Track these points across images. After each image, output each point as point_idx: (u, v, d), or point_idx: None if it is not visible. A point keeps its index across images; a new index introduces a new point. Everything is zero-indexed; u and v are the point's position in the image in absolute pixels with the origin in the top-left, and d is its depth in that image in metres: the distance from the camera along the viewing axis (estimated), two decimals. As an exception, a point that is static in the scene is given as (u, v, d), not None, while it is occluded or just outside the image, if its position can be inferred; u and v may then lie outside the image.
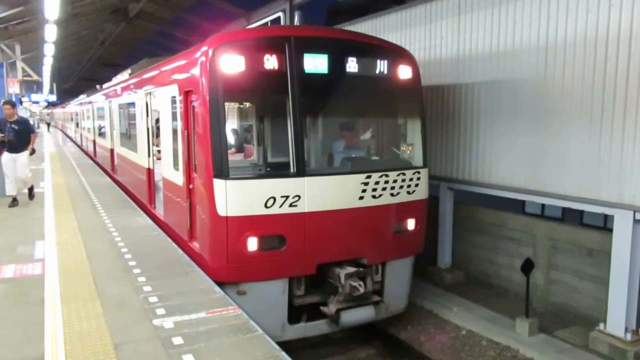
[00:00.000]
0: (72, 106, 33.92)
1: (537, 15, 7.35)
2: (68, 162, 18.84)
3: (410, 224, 7.06)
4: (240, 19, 19.54)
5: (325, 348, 7.35)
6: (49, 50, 24.52)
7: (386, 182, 6.66)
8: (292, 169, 6.18)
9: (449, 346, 7.38)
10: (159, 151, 9.12)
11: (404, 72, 7.04)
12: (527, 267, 7.17)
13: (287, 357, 4.00)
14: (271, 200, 5.97)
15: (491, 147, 8.29)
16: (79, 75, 53.20)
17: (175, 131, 7.62)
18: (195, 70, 6.37)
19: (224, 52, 5.95)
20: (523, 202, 12.11)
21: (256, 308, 5.75)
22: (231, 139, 7.66)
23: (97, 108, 18.44)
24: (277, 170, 6.65)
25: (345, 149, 7.22)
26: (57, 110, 57.84)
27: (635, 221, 6.32)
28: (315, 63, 6.34)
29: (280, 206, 6.02)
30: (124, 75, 13.90)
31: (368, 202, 6.55)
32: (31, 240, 7.43)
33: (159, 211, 9.03)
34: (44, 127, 56.07)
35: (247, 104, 7.94)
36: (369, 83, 6.90)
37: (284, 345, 4.47)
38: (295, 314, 6.54)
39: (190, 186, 6.93)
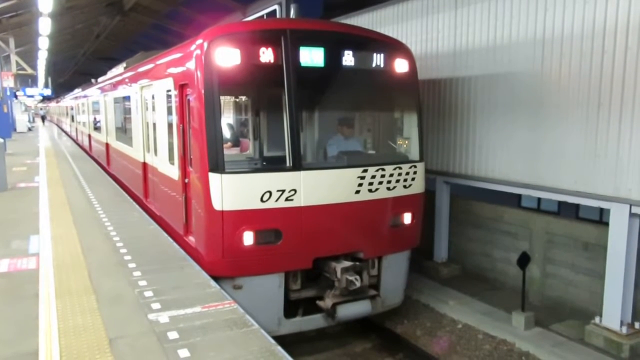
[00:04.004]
0: (67, 100, 33.73)
1: (534, 8, 7.33)
2: (63, 156, 18.73)
3: (407, 218, 7.05)
4: (236, 12, 19.47)
5: (322, 342, 7.36)
6: (44, 44, 24.37)
7: (382, 176, 6.64)
8: (288, 163, 6.15)
9: (445, 340, 7.39)
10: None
11: (401, 66, 7.01)
12: (523, 260, 7.19)
13: (283, 351, 3.99)
14: (267, 195, 5.95)
15: (488, 141, 8.28)
16: (74, 69, 52.96)
17: (170, 125, 7.57)
18: (190, 64, 6.31)
19: (219, 45, 5.90)
20: (519, 196, 12.11)
21: (252, 302, 5.73)
22: (227, 132, 7.61)
23: (93, 102, 18.34)
24: (273, 164, 6.62)
25: (341, 142, 7.19)
26: (52, 105, 57.59)
27: (631, 215, 6.34)
28: (312, 56, 6.30)
29: (276, 200, 5.99)
30: (119, 69, 13.80)
31: (364, 196, 6.53)
32: (25, 235, 7.38)
33: (154, 205, 8.99)
34: (38, 120, 55.89)
35: (243, 98, 7.90)
36: (365, 76, 6.87)
37: (280, 340, 4.46)
38: (292, 308, 6.54)
39: (186, 180, 6.89)
